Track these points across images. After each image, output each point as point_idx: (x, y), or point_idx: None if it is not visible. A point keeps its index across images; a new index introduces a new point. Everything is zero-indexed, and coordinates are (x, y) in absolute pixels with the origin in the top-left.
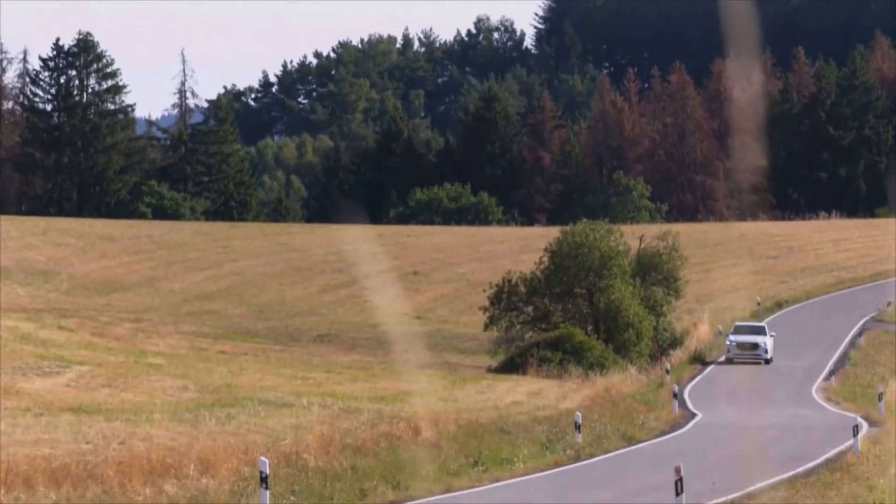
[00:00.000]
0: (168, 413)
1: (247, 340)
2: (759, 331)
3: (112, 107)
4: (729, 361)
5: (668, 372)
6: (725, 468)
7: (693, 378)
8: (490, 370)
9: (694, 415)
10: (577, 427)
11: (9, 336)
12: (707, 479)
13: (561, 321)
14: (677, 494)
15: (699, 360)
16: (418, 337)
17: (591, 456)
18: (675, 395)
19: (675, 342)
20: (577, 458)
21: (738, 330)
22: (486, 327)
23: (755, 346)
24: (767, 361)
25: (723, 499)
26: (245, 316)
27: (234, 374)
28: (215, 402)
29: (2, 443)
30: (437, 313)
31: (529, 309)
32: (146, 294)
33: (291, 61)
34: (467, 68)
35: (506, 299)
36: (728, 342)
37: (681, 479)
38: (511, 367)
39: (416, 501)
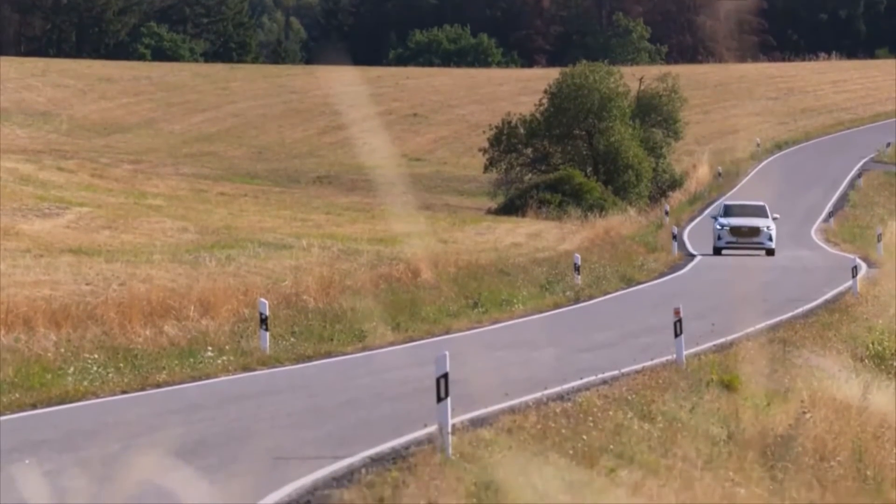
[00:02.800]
0: (168, 254)
1: (246, 182)
2: (759, 211)
3: None
4: (717, 252)
5: (667, 214)
6: (724, 309)
7: (692, 219)
8: (489, 212)
9: (693, 256)
10: (577, 269)
11: (8, 177)
12: (706, 321)
13: (560, 163)
14: (676, 335)
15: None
16: (418, 179)
17: (591, 297)
18: (674, 237)
19: (675, 184)
20: (577, 300)
21: (731, 211)
22: (486, 169)
23: (755, 231)
24: (770, 252)
25: (721, 340)
26: (244, 158)
27: (233, 215)
28: (215, 244)
29: (2, 284)
30: (436, 155)
31: (529, 151)
32: (146, 136)
33: None
34: None
35: (505, 141)
36: (717, 227)
37: (680, 321)
38: (510, 208)
39: (416, 343)
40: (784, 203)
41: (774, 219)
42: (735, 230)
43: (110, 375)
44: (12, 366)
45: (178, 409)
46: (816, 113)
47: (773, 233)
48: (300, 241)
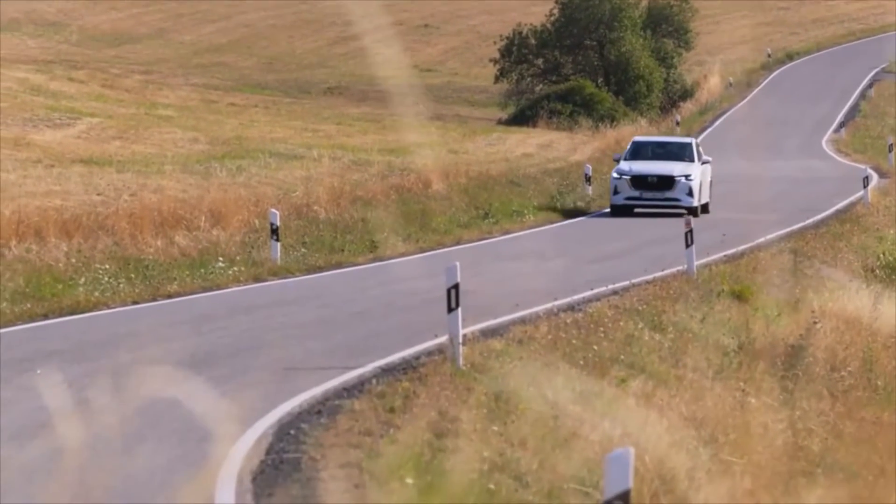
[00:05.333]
0: (179, 165)
1: (257, 93)
2: (680, 152)
3: None
4: (616, 212)
5: (678, 124)
6: (735, 220)
7: (704, 130)
8: (500, 123)
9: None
10: (588, 179)
11: (19, 87)
12: (717, 231)
13: (571, 73)
14: (687, 246)
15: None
16: (428, 90)
17: (602, 207)
18: None
19: (686, 94)
20: (588, 211)
21: (639, 151)
22: (497, 80)
23: (667, 182)
24: (693, 212)
25: (732, 250)
26: (255, 68)
27: (244, 126)
28: (226, 154)
29: (13, 194)
30: (447, 66)
31: (540, 62)
32: (156, 46)
33: None
34: None
35: (516, 52)
36: (614, 175)
37: (690, 231)
38: (521, 119)
39: (427, 253)
40: (795, 113)
41: (705, 162)
42: (638, 181)
43: (121, 286)
44: (23, 276)
45: (188, 320)
46: (828, 23)
47: (697, 184)
48: (311, 152)
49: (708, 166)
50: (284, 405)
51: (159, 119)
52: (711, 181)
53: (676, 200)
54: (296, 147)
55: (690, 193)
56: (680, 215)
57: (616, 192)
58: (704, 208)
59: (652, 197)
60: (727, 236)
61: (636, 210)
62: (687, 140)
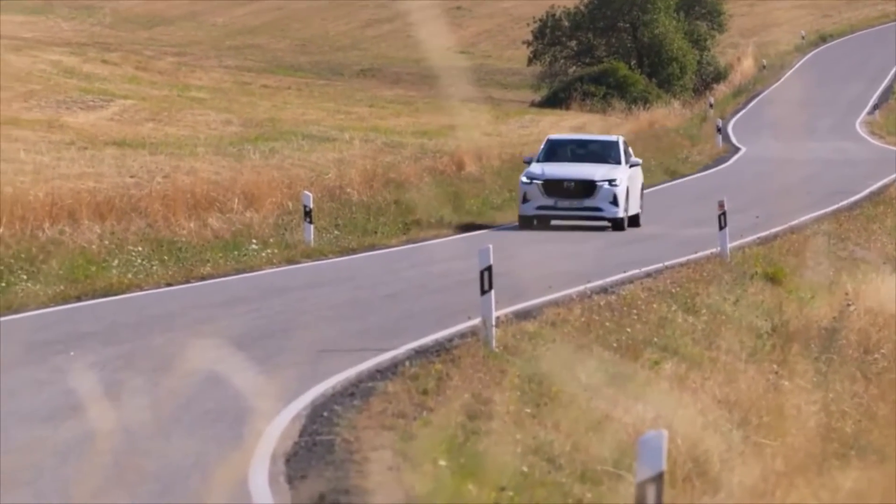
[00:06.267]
0: (212, 147)
1: (290, 75)
2: (605, 152)
3: None
4: (525, 223)
5: (711, 106)
6: (769, 201)
7: (737, 112)
8: (533, 105)
9: (737, 149)
10: None
11: (53, 70)
12: (750, 213)
13: (604, 56)
14: (721, 228)
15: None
16: (462, 72)
17: None
18: (718, 130)
19: (719, 76)
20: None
21: (555, 151)
22: (530, 62)
23: (586, 188)
24: (618, 225)
25: (765, 232)
26: (288, 50)
27: (277, 108)
28: (259, 136)
29: (47, 176)
30: (480, 48)
31: (573, 43)
32: (189, 28)
33: None
34: None
35: (549, 34)
36: (524, 180)
37: (724, 213)
38: (554, 101)
39: (460, 235)
40: (828, 95)
41: (634, 165)
42: (552, 187)
43: (154, 268)
44: (57, 258)
45: (221, 302)
46: (861, 5)
47: (623, 191)
48: (344, 134)
49: (638, 170)
50: (318, 387)
51: (192, 101)
52: (643, 188)
53: (598, 210)
54: (329, 129)
55: (615, 202)
56: (603, 228)
57: (525, 199)
58: (634, 220)
59: (569, 206)
60: (760, 218)
61: (552, 222)
62: (612, 138)
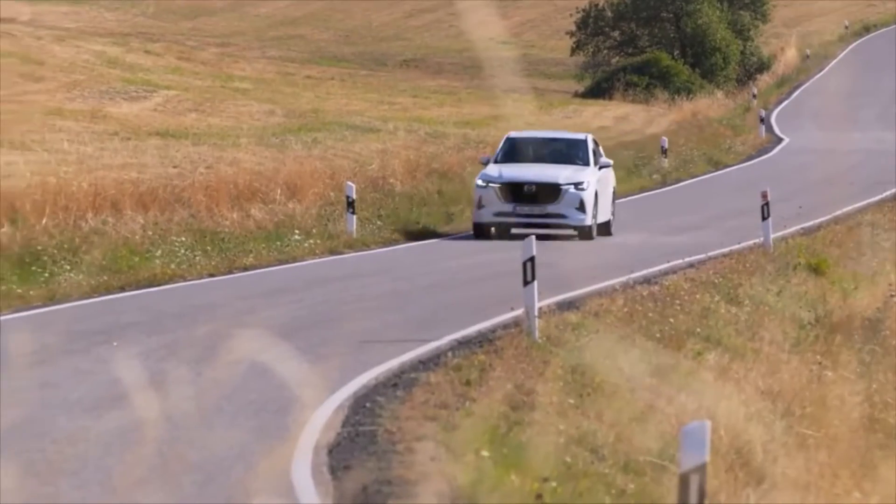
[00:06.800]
0: (255, 137)
1: (333, 65)
2: (571, 151)
3: None
4: (480, 233)
5: (754, 96)
6: (812, 192)
7: (780, 102)
8: (576, 95)
9: (780, 139)
10: (664, 151)
11: (96, 60)
12: (793, 203)
13: (647, 46)
14: (763, 218)
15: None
16: (504, 62)
17: (678, 180)
18: (761, 120)
19: (762, 67)
20: (664, 183)
21: (514, 150)
22: (573, 52)
23: (551, 191)
24: (585, 233)
25: (809, 223)
26: (331, 41)
27: (320, 98)
28: (302, 127)
29: (90, 166)
30: (523, 38)
31: (616, 34)
32: (232, 19)
33: None
34: None
35: (592, 24)
36: (478, 183)
37: (767, 204)
38: (598, 91)
39: None
40: (871, 85)
41: (604, 166)
42: (511, 190)
43: (197, 258)
44: (100, 249)
45: (264, 293)
46: None
47: (590, 195)
48: (387, 125)
49: (609, 171)
50: (360, 378)
51: (235, 92)
52: (615, 192)
53: (562, 217)
54: (372, 120)
55: (581, 208)
56: (569, 238)
57: (480, 205)
58: (604, 228)
59: (529, 212)
60: (803, 208)
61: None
62: (580, 136)
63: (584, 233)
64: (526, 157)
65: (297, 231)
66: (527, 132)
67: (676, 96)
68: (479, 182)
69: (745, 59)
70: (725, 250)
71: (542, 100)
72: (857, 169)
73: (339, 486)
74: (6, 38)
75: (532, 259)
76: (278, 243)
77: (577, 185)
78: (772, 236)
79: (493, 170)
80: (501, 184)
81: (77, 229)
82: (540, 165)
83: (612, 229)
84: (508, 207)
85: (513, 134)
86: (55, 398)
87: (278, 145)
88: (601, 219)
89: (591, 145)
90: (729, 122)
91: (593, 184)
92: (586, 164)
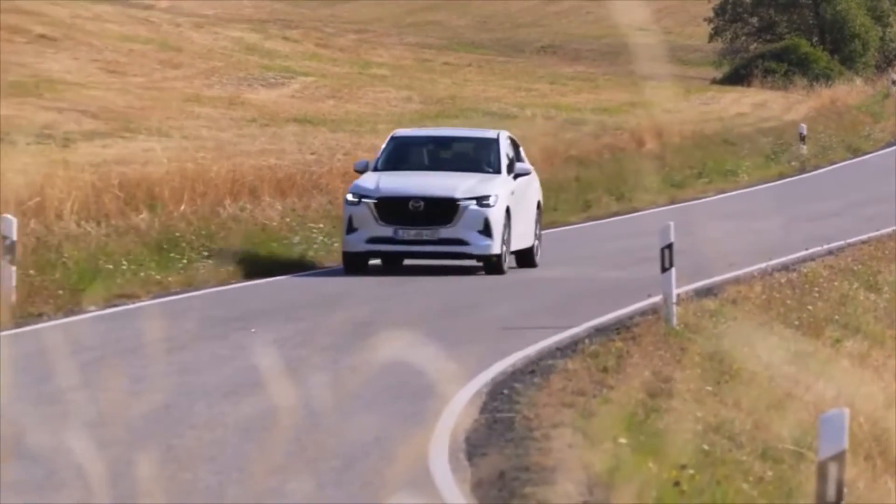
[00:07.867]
0: (392, 124)
1: (470, 52)
2: (477, 156)
3: None
4: (351, 266)
5: (894, 83)
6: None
7: None
8: (714, 82)
9: None
10: (802, 138)
11: (234, 47)
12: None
13: (786, 32)
14: None
15: None
16: (642, 48)
17: (817, 167)
18: None
19: None
20: (802, 170)
21: (401, 154)
22: (711, 39)
23: (444, 211)
24: (491, 265)
25: None
26: (468, 27)
27: (457, 85)
28: (439, 114)
29: (228, 152)
30: (661, 25)
31: (754, 20)
32: (370, 5)
33: None
34: None
35: (730, 10)
36: (349, 199)
37: None
38: (735, 78)
39: (640, 213)
40: None
41: (521, 175)
42: (391, 208)
43: (335, 245)
44: (238, 235)
45: (400, 282)
46: None
47: (499, 214)
48: (524, 111)
49: (530, 180)
50: (498, 364)
51: (373, 78)
52: (540, 207)
53: (460, 244)
54: (509, 106)
55: (486, 230)
56: (472, 271)
57: (351, 227)
58: (525, 258)
59: (416, 238)
60: None
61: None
62: (490, 134)
63: (491, 265)
64: (416, 162)
65: None
66: (418, 130)
67: (815, 83)
68: (349, 197)
69: (884, 46)
70: (864, 237)
71: (679, 86)
72: None
73: (477, 472)
74: (145, 25)
75: (670, 246)
76: None
77: (480, 199)
78: None
79: (368, 180)
80: (378, 199)
81: (215, 216)
82: (433, 174)
83: (538, 259)
84: (388, 231)
85: (399, 132)
86: (194, 384)
87: None
88: (518, 245)
89: (504, 146)
90: (868, 108)
91: (503, 198)
92: (497, 171)
